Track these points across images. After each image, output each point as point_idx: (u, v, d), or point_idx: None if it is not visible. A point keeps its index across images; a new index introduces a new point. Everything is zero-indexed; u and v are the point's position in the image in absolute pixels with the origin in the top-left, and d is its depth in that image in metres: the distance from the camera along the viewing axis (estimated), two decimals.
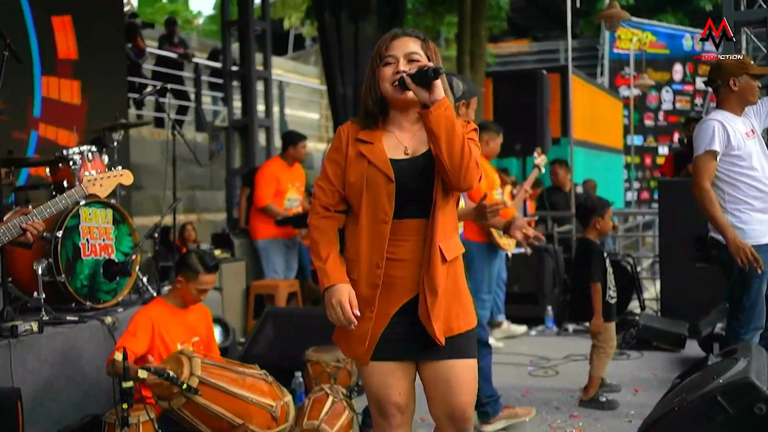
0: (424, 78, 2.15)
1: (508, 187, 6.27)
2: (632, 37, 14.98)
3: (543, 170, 5.32)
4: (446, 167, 2.15)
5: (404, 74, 2.20)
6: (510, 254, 6.24)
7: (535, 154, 5.41)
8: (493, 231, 5.81)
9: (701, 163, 3.74)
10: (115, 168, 3.36)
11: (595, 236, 4.51)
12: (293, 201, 6.55)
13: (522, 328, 6.38)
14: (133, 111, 9.55)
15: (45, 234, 3.82)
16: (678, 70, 16.05)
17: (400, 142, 2.29)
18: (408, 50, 2.25)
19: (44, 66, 5.52)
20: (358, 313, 2.22)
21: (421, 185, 2.23)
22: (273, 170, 6.51)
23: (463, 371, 2.28)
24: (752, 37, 5.84)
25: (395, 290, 2.25)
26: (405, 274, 2.24)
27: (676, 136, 14.17)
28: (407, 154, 2.28)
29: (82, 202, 4.13)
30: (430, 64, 2.22)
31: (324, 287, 2.25)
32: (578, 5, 8.22)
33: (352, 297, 2.23)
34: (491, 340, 5.89)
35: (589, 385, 4.41)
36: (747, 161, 3.71)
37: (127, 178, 3.35)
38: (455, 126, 2.15)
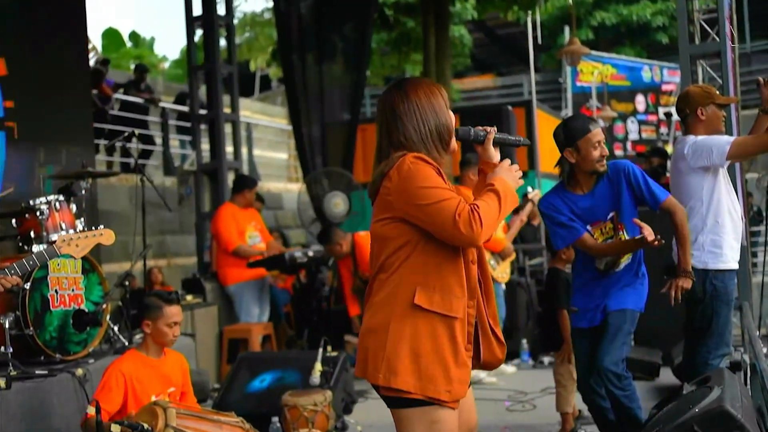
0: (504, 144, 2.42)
1: (502, 222, 6.34)
2: (593, 71, 15.30)
3: (536, 204, 5.47)
4: None
5: (496, 134, 2.37)
6: (504, 287, 6.32)
7: (529, 189, 5.71)
8: (486, 263, 5.84)
9: (741, 144, 3.73)
10: (93, 227, 3.25)
11: (563, 265, 4.56)
12: (255, 238, 6.55)
13: (512, 368, 6.30)
14: (100, 157, 9.49)
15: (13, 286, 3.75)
16: (641, 101, 16.41)
17: None
18: None
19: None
20: None
21: None
22: (228, 213, 6.51)
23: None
24: (707, 69, 6.00)
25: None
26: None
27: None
28: None
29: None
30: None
31: (506, 184, 2.24)
32: (539, 41, 8.38)
33: None
34: (482, 374, 5.87)
35: (563, 421, 4.41)
36: (724, 186, 3.79)
37: (107, 237, 3.22)
38: None
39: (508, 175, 2.27)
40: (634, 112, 16.41)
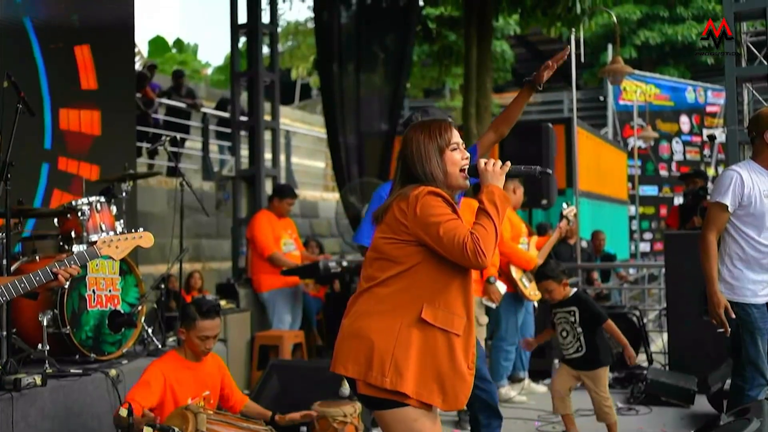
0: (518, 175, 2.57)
1: (535, 237, 6.25)
2: (636, 89, 15.15)
3: (571, 221, 5.36)
4: None
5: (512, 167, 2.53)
6: (536, 305, 6.23)
7: (565, 206, 5.60)
8: (518, 281, 5.78)
9: (710, 212, 3.71)
10: (133, 230, 3.27)
11: None
12: (290, 245, 6.57)
13: (542, 388, 6.20)
14: (141, 160, 9.63)
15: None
16: (685, 122, 16.20)
17: None
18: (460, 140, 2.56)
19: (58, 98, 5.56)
20: None
21: None
22: (265, 219, 6.54)
23: None
24: (753, 92, 5.88)
25: None
26: None
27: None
28: None
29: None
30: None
31: (492, 193, 2.44)
32: (582, 59, 8.31)
33: None
34: (512, 393, 5.79)
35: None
36: (756, 220, 3.64)
37: (146, 240, 3.20)
38: None
39: (491, 178, 2.46)
40: (679, 133, 16.21)
